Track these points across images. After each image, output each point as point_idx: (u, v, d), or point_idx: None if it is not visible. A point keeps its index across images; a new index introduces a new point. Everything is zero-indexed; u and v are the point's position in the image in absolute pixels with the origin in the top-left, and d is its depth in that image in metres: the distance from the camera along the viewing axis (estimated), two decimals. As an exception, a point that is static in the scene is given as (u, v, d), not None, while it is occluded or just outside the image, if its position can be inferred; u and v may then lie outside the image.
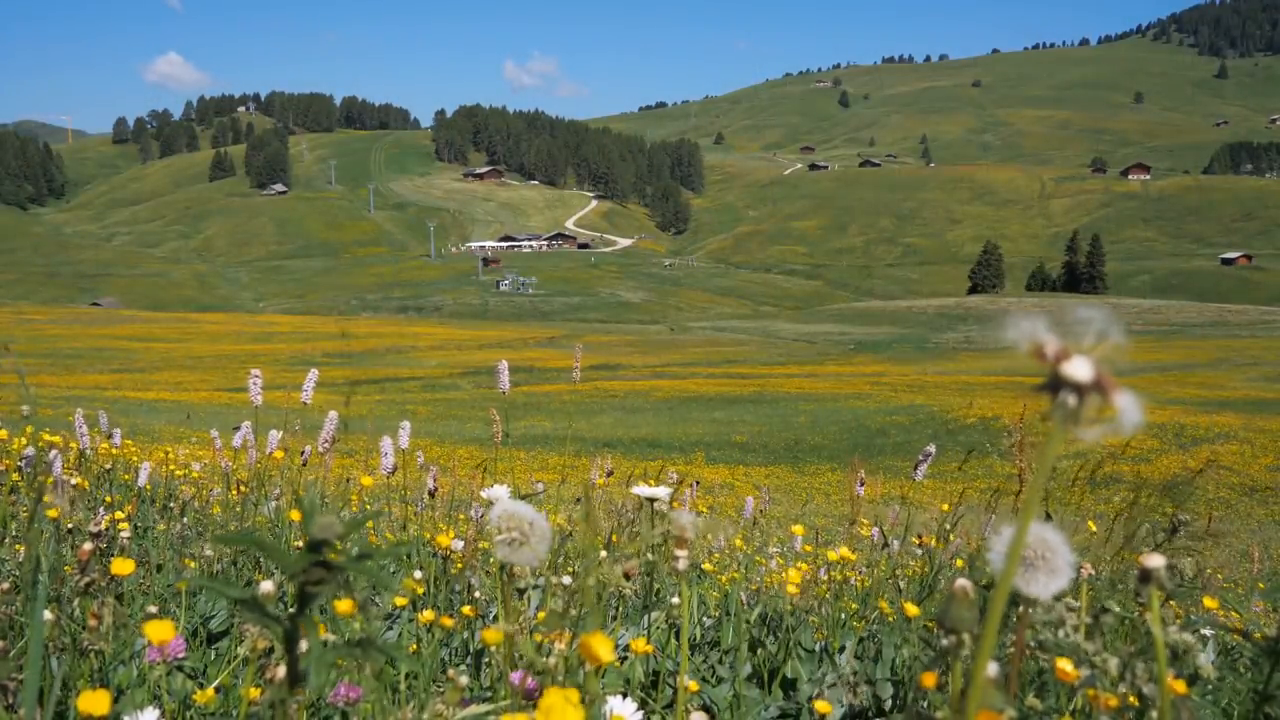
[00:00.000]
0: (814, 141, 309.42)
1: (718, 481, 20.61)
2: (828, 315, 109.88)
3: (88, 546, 1.68)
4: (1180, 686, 1.03)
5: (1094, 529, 2.90)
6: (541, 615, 1.30)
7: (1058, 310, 0.57)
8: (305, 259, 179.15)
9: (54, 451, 3.59)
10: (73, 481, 3.70)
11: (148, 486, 4.34)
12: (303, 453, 4.04)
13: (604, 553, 1.45)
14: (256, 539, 0.80)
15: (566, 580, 1.35)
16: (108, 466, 5.29)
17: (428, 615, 2.04)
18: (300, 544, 3.08)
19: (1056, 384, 0.56)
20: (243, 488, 4.20)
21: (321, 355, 59.93)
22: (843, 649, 2.62)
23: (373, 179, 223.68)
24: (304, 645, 0.79)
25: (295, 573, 0.76)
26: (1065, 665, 1.06)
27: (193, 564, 3.17)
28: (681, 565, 1.13)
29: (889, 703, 2.26)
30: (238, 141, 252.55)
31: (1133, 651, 1.04)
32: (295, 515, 2.89)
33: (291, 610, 0.79)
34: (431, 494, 3.87)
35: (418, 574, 2.66)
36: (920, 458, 3.31)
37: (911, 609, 2.35)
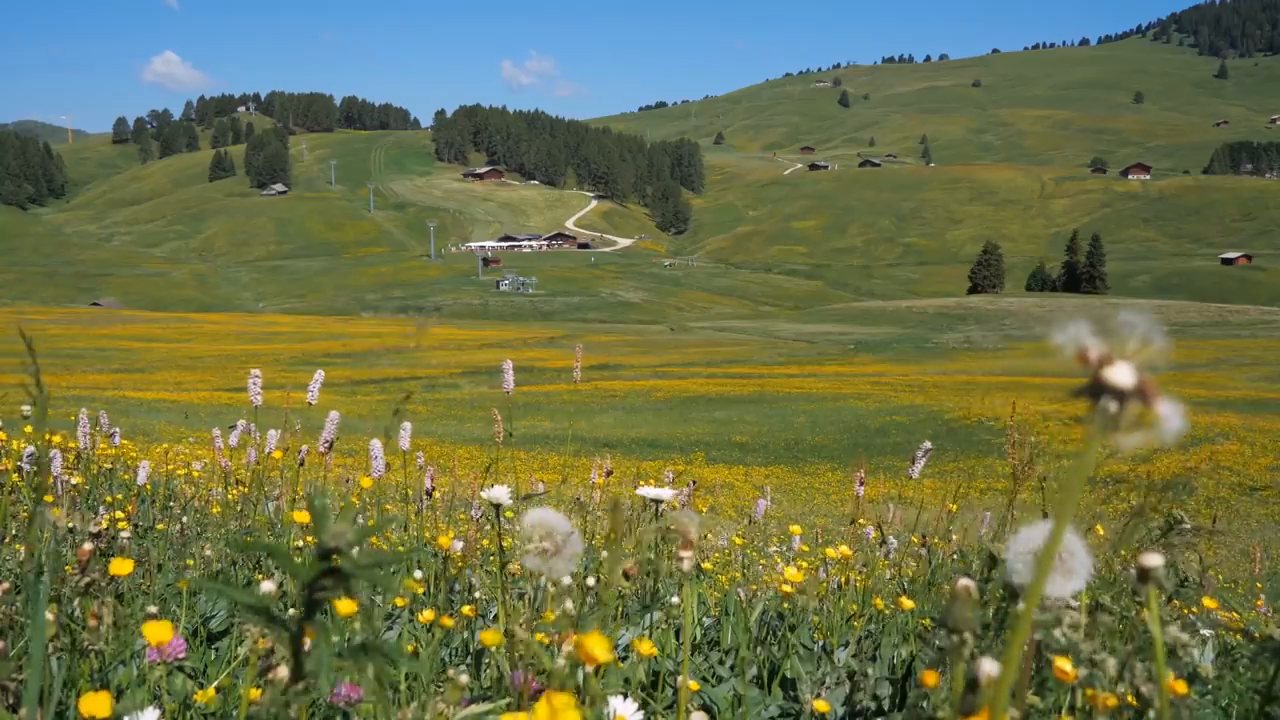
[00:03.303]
0: (814, 141, 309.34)
1: (718, 481, 20.61)
2: (828, 315, 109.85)
3: (88, 546, 1.68)
4: (1180, 686, 1.03)
5: (1101, 532, 2.91)
6: (549, 616, 1.30)
7: (1049, 311, 0.56)
8: (305, 259, 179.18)
9: (53, 451, 3.59)
10: (72, 481, 3.70)
11: (148, 486, 4.34)
12: (301, 452, 4.04)
13: (604, 553, 1.45)
14: (270, 546, 0.81)
15: (566, 580, 1.34)
16: (108, 466, 5.29)
17: (428, 615, 2.04)
18: (302, 545, 3.08)
19: (1097, 389, 0.54)
20: (242, 487, 4.20)
21: (323, 355, 59.93)
22: (845, 645, 2.62)
23: (373, 179, 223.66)
24: (308, 646, 0.79)
25: (306, 580, 0.76)
26: (1064, 664, 1.06)
27: (192, 564, 3.17)
28: (686, 566, 1.13)
29: (888, 702, 2.25)
30: (238, 141, 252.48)
31: (1130, 651, 1.04)
32: (298, 517, 2.89)
33: (294, 611, 0.79)
34: (428, 494, 3.87)
35: (418, 574, 2.66)
36: (918, 454, 3.31)
37: (906, 603, 2.35)
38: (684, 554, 1.14)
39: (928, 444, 3.33)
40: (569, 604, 1.25)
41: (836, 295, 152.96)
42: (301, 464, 4.01)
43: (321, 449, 3.36)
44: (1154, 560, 0.89)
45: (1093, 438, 0.55)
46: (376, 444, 3.22)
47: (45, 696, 1.38)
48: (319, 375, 3.31)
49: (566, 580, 1.31)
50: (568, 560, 1.10)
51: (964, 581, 0.83)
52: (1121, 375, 0.54)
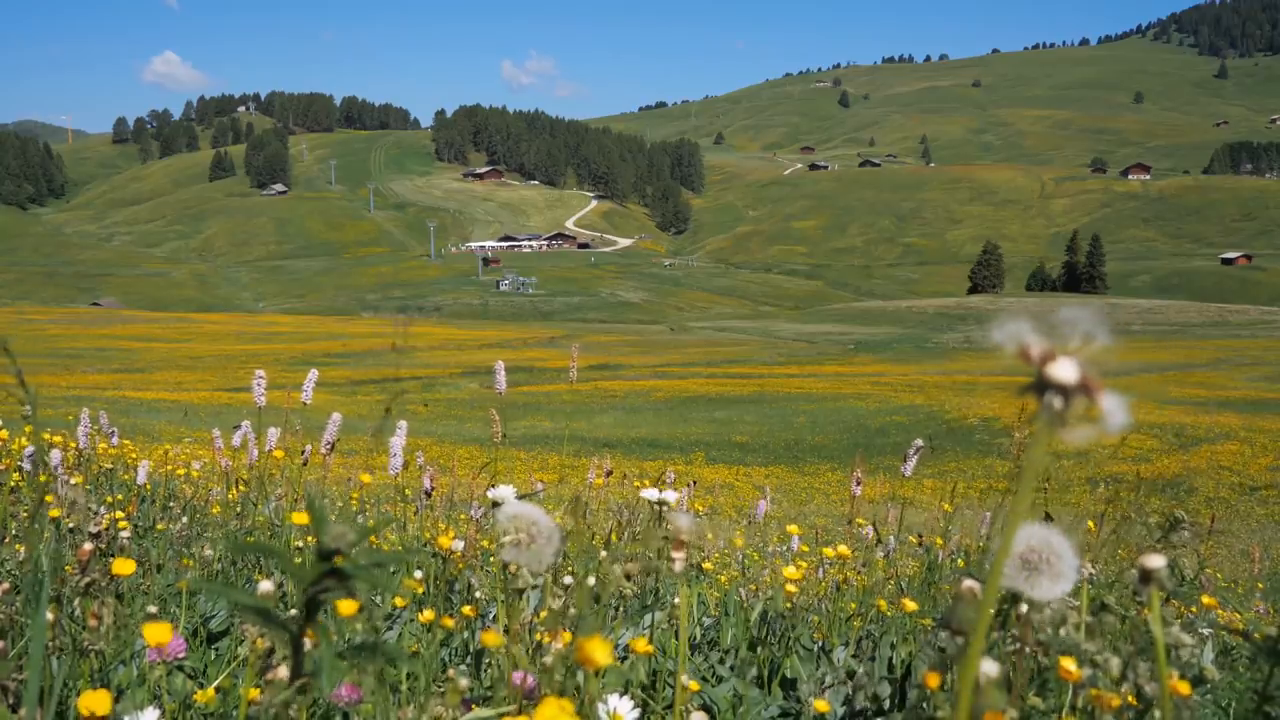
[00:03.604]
0: (814, 141, 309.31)
1: (718, 481, 20.61)
2: (828, 315, 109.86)
3: (88, 546, 1.68)
4: (1184, 687, 1.03)
5: (1093, 528, 2.91)
6: (543, 615, 1.29)
7: (1045, 311, 0.57)
8: (305, 259, 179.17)
9: (55, 451, 3.59)
10: (72, 481, 3.70)
11: (147, 486, 4.34)
12: (303, 452, 4.04)
13: (604, 552, 1.45)
14: (270, 547, 0.80)
15: (567, 580, 1.34)
16: (108, 466, 5.29)
17: (428, 615, 2.04)
18: (301, 544, 3.08)
19: (1042, 386, 0.55)
20: (243, 487, 4.20)
21: (322, 355, 59.93)
22: (845, 645, 2.62)
23: (373, 179, 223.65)
24: (308, 646, 0.79)
25: (308, 582, 0.76)
26: (1069, 664, 1.06)
27: (191, 563, 3.17)
28: (678, 567, 1.13)
29: (888, 702, 2.25)
30: (238, 141, 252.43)
31: (1133, 651, 1.04)
32: (296, 518, 2.89)
33: (293, 612, 0.79)
34: (427, 494, 3.87)
35: (418, 574, 2.66)
36: (910, 451, 3.32)
37: (909, 604, 2.35)
38: (676, 555, 1.14)
39: (919, 441, 3.34)
40: (555, 602, 1.24)
41: (836, 295, 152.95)
42: (305, 463, 4.01)
43: (323, 450, 3.37)
44: (1157, 561, 0.89)
45: (1039, 434, 0.55)
46: (395, 441, 3.23)
47: (45, 696, 1.38)
48: (313, 374, 3.32)
49: (539, 577, 1.31)
50: (543, 551, 1.09)
51: (969, 583, 0.83)
52: (1064, 371, 0.54)
